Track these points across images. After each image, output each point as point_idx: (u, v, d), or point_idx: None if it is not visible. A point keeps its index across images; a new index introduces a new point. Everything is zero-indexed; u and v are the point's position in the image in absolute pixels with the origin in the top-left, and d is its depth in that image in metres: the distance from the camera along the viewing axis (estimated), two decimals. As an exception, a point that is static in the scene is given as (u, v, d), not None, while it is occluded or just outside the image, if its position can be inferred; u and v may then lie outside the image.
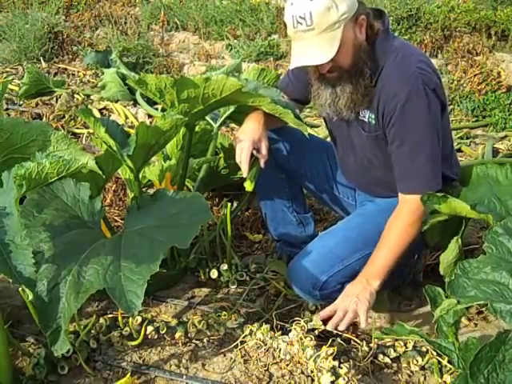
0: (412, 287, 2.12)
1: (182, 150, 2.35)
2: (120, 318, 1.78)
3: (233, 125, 3.29)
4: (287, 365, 1.62)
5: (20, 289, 1.43)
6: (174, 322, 1.83)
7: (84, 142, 3.49)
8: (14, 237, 1.39)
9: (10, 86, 4.05)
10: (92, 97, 4.23)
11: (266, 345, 1.66)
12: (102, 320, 1.81)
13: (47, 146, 1.80)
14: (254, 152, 1.89)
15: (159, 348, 1.76)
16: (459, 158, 2.43)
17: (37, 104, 4.09)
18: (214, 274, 2.08)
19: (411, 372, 1.70)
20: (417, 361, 1.68)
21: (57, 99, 4.13)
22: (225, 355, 1.73)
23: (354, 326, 1.82)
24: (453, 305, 1.32)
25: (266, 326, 1.71)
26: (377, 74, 1.75)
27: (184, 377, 1.65)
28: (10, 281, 1.34)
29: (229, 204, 2.02)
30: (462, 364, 1.47)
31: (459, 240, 1.72)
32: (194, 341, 1.79)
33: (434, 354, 1.67)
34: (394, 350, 1.72)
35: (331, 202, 2.21)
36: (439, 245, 1.91)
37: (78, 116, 3.77)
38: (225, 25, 5.86)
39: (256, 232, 2.52)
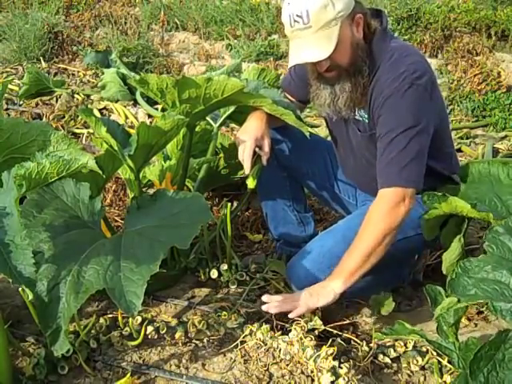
0: (412, 287, 2.12)
1: (182, 150, 2.35)
2: (120, 318, 1.78)
3: (233, 125, 3.29)
4: (287, 365, 1.61)
5: (20, 289, 1.43)
6: (174, 322, 1.82)
7: (84, 142, 3.49)
8: (14, 237, 1.38)
9: (10, 86, 4.05)
10: (92, 97, 4.23)
11: (266, 345, 1.66)
12: (102, 320, 1.80)
13: (47, 146, 1.80)
14: (257, 149, 1.90)
15: (159, 348, 1.76)
16: (459, 158, 2.42)
17: (37, 104, 4.08)
18: (214, 274, 2.08)
19: (411, 372, 1.69)
20: (417, 361, 1.68)
21: (57, 99, 4.12)
22: (225, 355, 1.73)
23: (354, 326, 1.81)
24: (453, 303, 1.31)
25: (266, 326, 1.71)
26: (373, 73, 1.75)
27: (184, 377, 1.65)
28: (10, 281, 1.34)
29: (229, 204, 2.02)
30: (462, 364, 1.46)
31: (461, 239, 1.71)
32: (193, 341, 1.79)
33: (434, 354, 1.67)
34: (394, 350, 1.72)
35: (332, 201, 2.21)
36: (440, 244, 1.91)
37: (78, 116, 3.77)
38: (225, 25, 5.86)
39: (256, 232, 2.52)
